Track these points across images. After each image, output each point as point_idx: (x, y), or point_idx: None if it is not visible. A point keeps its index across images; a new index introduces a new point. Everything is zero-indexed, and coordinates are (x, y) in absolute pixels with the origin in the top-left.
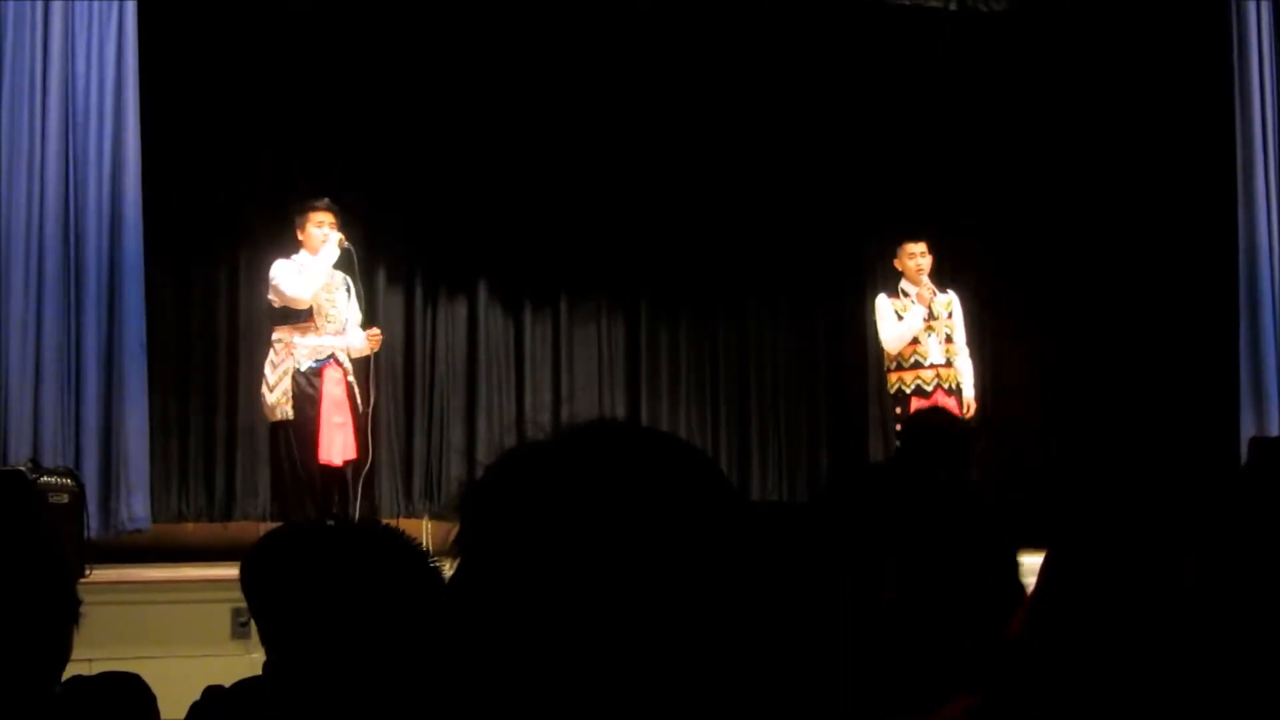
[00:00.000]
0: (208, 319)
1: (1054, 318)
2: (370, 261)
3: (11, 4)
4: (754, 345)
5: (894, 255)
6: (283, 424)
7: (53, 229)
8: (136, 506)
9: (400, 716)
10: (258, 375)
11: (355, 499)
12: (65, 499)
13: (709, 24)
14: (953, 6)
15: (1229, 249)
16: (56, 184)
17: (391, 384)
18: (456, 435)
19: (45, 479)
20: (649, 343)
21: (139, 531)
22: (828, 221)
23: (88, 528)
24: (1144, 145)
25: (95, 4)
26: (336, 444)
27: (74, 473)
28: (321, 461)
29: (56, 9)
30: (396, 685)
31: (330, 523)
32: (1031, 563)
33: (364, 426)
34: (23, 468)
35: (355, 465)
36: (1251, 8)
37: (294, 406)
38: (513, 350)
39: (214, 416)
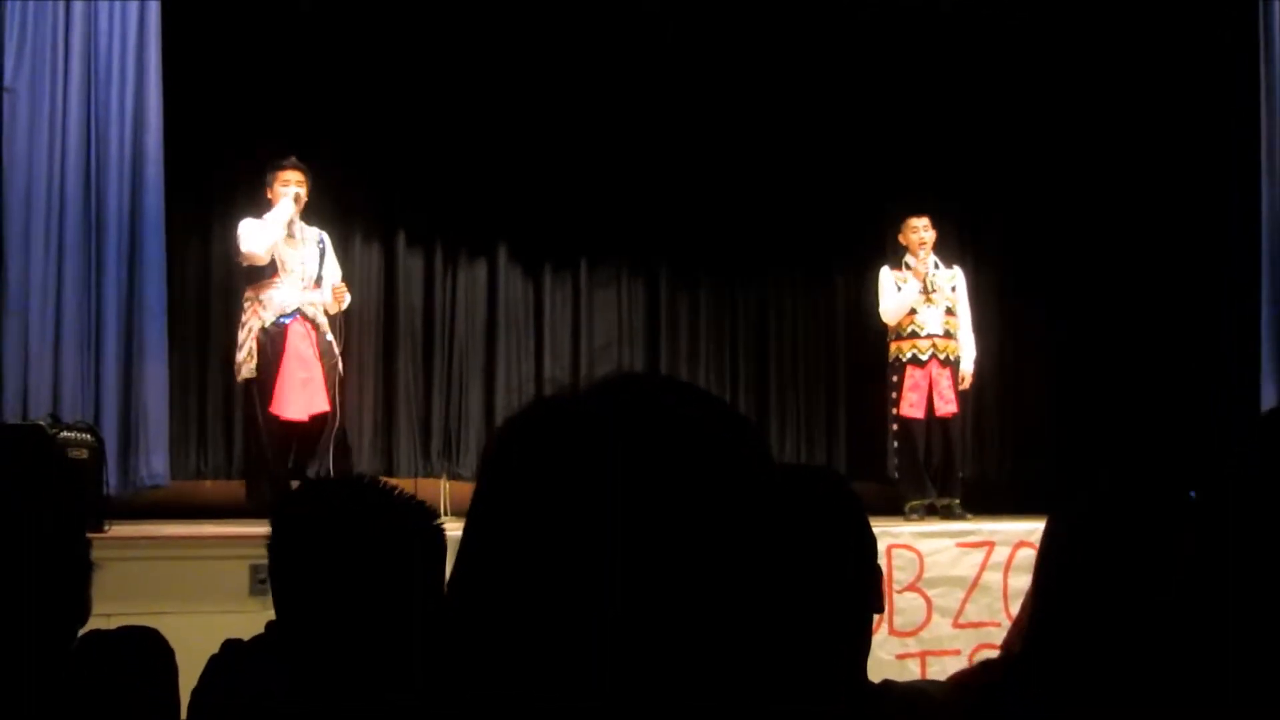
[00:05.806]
0: (227, 278)
1: (1074, 290)
2: (390, 223)
3: None
4: (773, 309)
5: (899, 229)
6: (250, 381)
7: (74, 187)
8: (155, 463)
9: (413, 673)
10: None
11: (327, 455)
12: (85, 454)
13: None
14: None
15: (1253, 222)
16: (78, 143)
17: (411, 345)
18: (475, 396)
19: (65, 434)
20: (669, 306)
21: (157, 488)
22: (847, 189)
23: (107, 484)
24: (1171, 120)
25: None
26: (300, 400)
27: (94, 428)
28: (283, 418)
29: None
30: (407, 642)
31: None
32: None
33: (334, 383)
34: (42, 423)
35: (323, 422)
36: None
37: (258, 364)
38: (532, 313)
39: (233, 375)
